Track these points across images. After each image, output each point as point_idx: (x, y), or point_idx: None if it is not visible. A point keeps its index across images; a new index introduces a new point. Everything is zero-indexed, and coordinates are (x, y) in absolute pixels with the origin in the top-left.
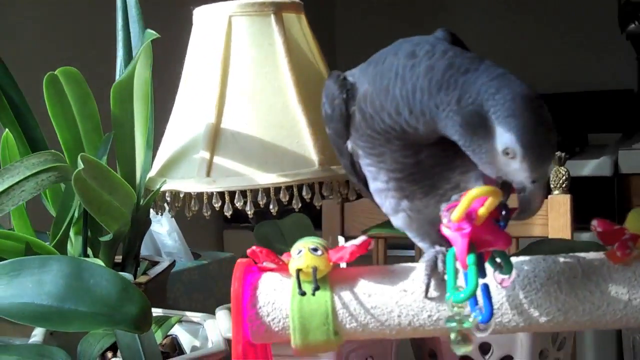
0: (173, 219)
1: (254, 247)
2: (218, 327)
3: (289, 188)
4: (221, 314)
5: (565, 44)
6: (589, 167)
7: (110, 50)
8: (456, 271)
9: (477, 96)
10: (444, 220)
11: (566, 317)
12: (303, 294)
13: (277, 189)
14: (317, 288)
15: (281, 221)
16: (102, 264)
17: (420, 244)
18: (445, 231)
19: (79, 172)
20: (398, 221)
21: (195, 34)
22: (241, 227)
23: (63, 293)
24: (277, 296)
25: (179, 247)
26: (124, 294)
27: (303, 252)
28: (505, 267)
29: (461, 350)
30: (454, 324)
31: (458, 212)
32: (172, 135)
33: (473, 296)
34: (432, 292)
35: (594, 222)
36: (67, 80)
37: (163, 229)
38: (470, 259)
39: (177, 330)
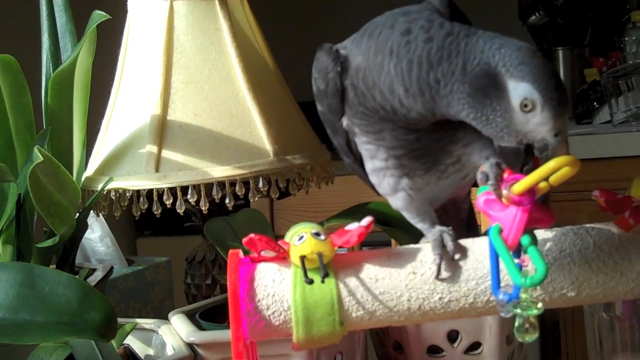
0: (105, 223)
1: (251, 235)
2: (177, 332)
3: (244, 181)
4: (176, 318)
5: None
6: None
7: (33, 39)
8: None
9: (482, 55)
10: (502, 194)
11: (579, 290)
12: (310, 282)
13: (232, 182)
14: (326, 274)
15: (231, 217)
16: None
17: (419, 225)
18: (491, 207)
19: (35, 167)
20: (397, 201)
21: (131, 21)
22: (154, 235)
23: (16, 303)
24: (277, 288)
25: (112, 253)
26: (84, 300)
27: (305, 238)
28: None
29: (527, 339)
30: (518, 311)
31: (526, 183)
32: (111, 130)
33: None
34: (444, 273)
35: (596, 192)
36: (3, 69)
37: (94, 234)
38: (526, 239)
39: (129, 339)
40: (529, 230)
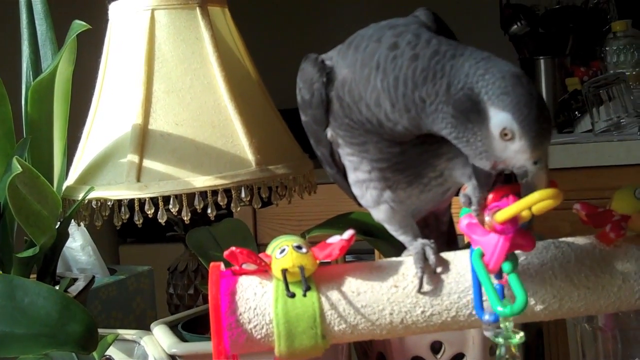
0: (87, 232)
1: (232, 248)
2: (158, 343)
3: (226, 191)
4: (158, 329)
5: None
6: None
7: (13, 47)
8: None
9: (466, 79)
10: (485, 221)
11: (561, 303)
12: (292, 295)
13: (214, 192)
14: (308, 288)
15: (214, 227)
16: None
17: (401, 237)
18: (473, 232)
19: (14, 177)
20: (380, 214)
21: (112, 30)
22: (137, 242)
23: None
24: (259, 301)
25: (94, 262)
26: (65, 312)
27: (287, 251)
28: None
29: None
30: (501, 340)
31: (508, 213)
32: (92, 139)
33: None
34: (426, 286)
35: (577, 206)
36: None
37: (76, 243)
38: (508, 265)
39: (110, 350)
40: (510, 255)
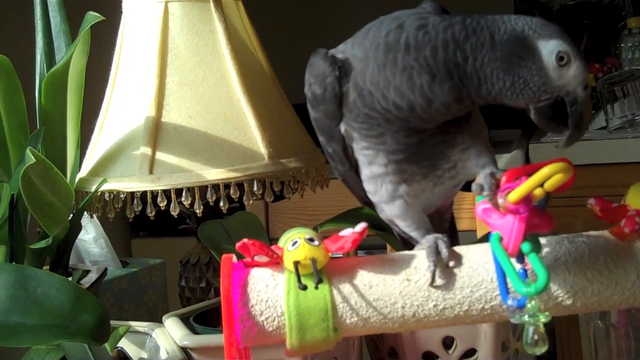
0: (99, 224)
1: (244, 240)
2: (170, 335)
3: (239, 184)
4: (170, 322)
5: None
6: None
7: (27, 39)
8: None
9: (506, 25)
10: (499, 203)
11: (574, 299)
12: (304, 288)
13: (227, 185)
14: (320, 280)
15: (226, 220)
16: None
17: (414, 233)
18: (489, 216)
19: (27, 168)
20: (394, 209)
21: (126, 22)
22: (149, 236)
23: (7, 305)
24: (270, 293)
25: (107, 254)
26: (77, 303)
27: (299, 243)
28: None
29: (537, 351)
30: (526, 318)
31: (521, 192)
32: (105, 131)
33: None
34: (438, 280)
35: (592, 201)
36: None
37: (88, 235)
38: (527, 246)
39: (122, 342)
40: (531, 236)
